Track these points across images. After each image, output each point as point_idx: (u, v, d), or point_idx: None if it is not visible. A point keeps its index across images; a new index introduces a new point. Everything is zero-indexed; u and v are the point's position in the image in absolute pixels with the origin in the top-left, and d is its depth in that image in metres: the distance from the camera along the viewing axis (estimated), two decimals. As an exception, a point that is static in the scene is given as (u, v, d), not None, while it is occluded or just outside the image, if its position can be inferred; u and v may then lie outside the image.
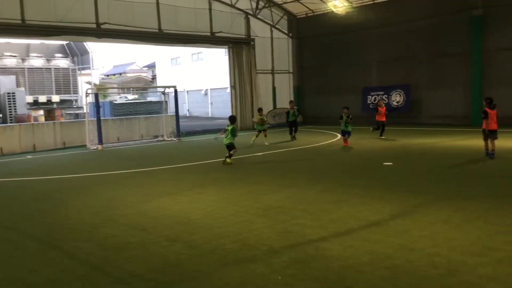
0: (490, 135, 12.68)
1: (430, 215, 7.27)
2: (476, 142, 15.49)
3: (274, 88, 31.26)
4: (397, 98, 26.72)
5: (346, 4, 27.19)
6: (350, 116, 16.88)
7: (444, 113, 25.04)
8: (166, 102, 24.86)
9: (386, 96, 27.27)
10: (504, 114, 17.16)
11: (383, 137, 18.95)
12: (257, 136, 19.10)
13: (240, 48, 28.46)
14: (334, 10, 27.53)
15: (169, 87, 24.73)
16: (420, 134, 20.30)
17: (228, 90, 30.51)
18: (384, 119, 19.25)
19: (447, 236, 6.18)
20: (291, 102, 21.93)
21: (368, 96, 28.25)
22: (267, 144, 18.48)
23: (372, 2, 27.63)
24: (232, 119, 14.54)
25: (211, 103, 49.26)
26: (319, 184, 10.25)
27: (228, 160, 13.63)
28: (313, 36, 31.11)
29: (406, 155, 14.65)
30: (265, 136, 19.01)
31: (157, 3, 24.26)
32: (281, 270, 5.20)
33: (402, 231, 6.50)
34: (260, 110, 20.72)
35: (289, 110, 20.80)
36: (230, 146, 13.76)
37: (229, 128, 13.92)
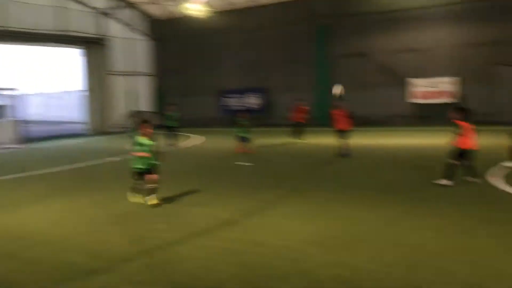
0: (340, 134, 13.86)
1: (277, 210, 7.70)
2: (325, 141, 16.80)
3: (132, 91, 30.29)
4: (252, 101, 27.91)
5: (205, 8, 27.51)
6: (247, 121, 15.43)
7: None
8: (8, 105, 22.39)
9: (242, 99, 28.42)
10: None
11: (301, 140, 18.32)
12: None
13: (95, 48, 27.04)
14: (193, 13, 27.66)
15: (10, 89, 22.35)
16: (274, 134, 21.37)
17: (82, 92, 28.69)
18: (303, 120, 18.52)
19: (292, 229, 6.58)
20: (170, 104, 19.41)
21: (226, 99, 29.10)
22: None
23: (230, 9, 28.43)
24: (145, 121, 8.64)
25: (63, 107, 45.79)
26: (173, 187, 10.13)
27: (151, 201, 8.23)
28: (172, 38, 30.89)
29: (259, 154, 15.18)
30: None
31: (-1, -3, 21.87)
32: (130, 277, 4.99)
33: (252, 227, 6.75)
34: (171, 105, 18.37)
35: (167, 113, 18.75)
36: (148, 171, 8.24)
37: (144, 141, 8.23)
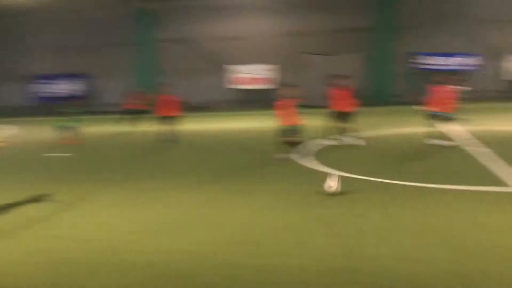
0: (166, 120, 13.78)
1: (96, 202, 7.42)
2: (154, 127, 16.48)
3: None
4: (72, 87, 26.14)
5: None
6: (72, 108, 14.26)
7: (118, 101, 25.84)
8: None
9: (60, 85, 26.41)
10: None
11: (136, 128, 17.12)
12: None
13: None
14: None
15: None
16: (101, 122, 20.40)
17: None
18: (140, 107, 17.46)
19: (112, 220, 6.42)
20: None
21: (39, 85, 26.71)
22: None
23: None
24: None
25: None
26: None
27: None
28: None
29: (83, 144, 14.23)
30: None
31: None
32: None
33: (68, 223, 6.42)
34: None
35: None
36: None
37: None
